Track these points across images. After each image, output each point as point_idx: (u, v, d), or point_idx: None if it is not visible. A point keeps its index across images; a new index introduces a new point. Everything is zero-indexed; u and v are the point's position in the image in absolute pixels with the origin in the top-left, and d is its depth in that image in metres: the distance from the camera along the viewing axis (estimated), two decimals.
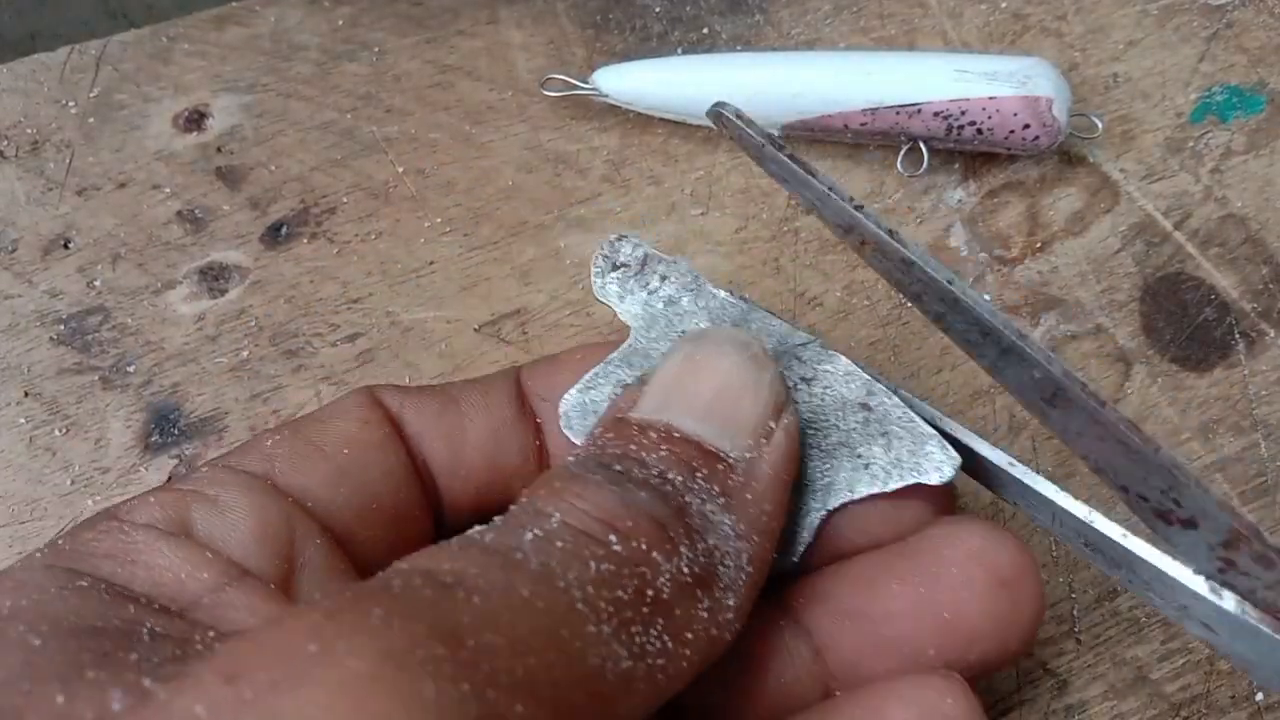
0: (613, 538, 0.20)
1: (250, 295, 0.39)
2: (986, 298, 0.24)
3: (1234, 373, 0.38)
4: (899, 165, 0.41)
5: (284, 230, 0.41)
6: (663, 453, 0.23)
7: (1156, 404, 0.37)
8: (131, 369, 0.38)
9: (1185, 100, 0.43)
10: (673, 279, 0.28)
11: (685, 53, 0.44)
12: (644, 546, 0.21)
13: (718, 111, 0.26)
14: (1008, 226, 0.41)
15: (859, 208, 0.25)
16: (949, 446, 0.26)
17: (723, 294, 0.28)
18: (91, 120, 0.43)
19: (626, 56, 0.44)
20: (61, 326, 0.39)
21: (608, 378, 0.27)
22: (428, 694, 0.15)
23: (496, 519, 0.21)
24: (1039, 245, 0.40)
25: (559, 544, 0.20)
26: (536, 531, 0.20)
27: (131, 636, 0.19)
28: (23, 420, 0.37)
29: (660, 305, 0.28)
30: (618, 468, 0.22)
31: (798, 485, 0.26)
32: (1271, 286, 0.39)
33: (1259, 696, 0.33)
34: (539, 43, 0.44)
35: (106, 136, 0.42)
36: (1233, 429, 0.37)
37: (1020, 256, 0.40)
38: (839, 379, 0.27)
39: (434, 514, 0.28)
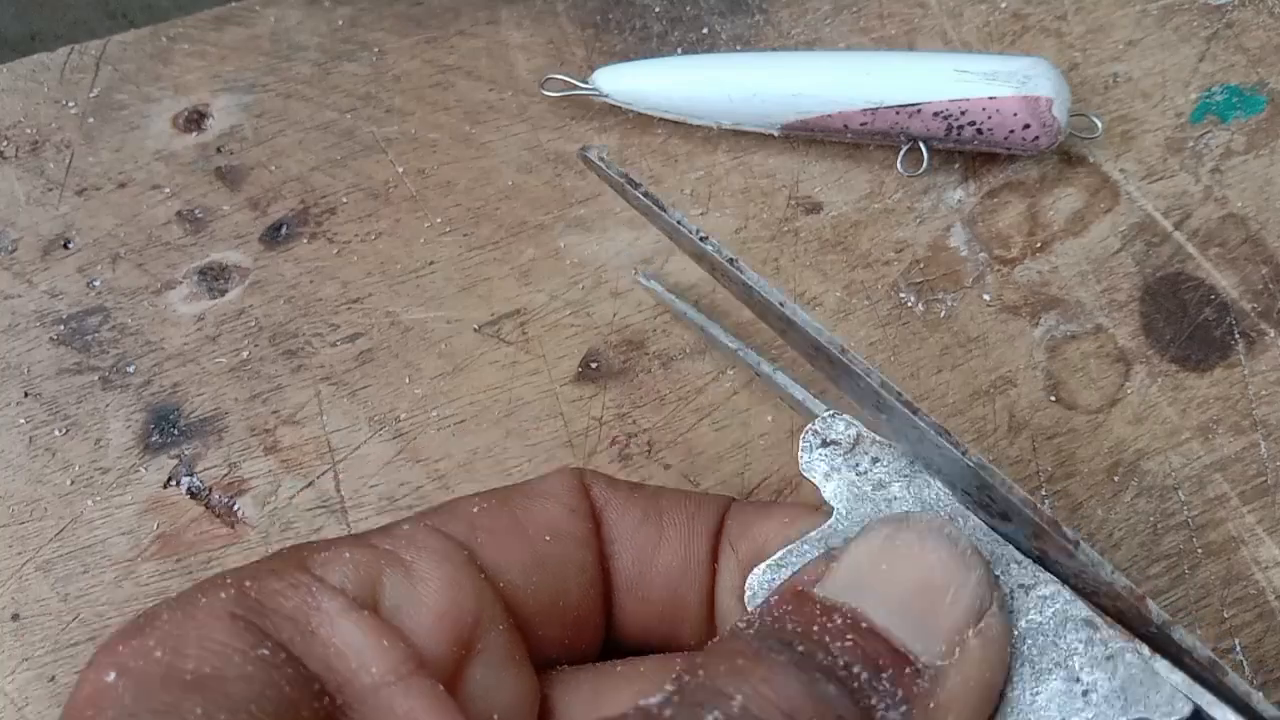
0: None
1: (250, 295, 0.39)
2: (807, 318, 0.25)
3: (1234, 373, 0.38)
4: (899, 165, 0.41)
5: (284, 230, 0.41)
6: (848, 642, 0.21)
7: (1156, 404, 0.37)
8: (131, 369, 0.38)
9: (1185, 100, 0.43)
10: (885, 462, 0.27)
11: (685, 53, 0.44)
12: None
13: (584, 155, 0.29)
14: (1008, 226, 0.41)
15: (704, 239, 0.27)
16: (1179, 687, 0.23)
17: (939, 485, 0.26)
18: (91, 120, 0.43)
19: (626, 56, 0.44)
20: (61, 326, 0.39)
21: (801, 557, 0.26)
22: None
23: (668, 686, 0.20)
24: (1039, 245, 0.40)
25: None
26: (718, 715, 0.19)
27: None
28: (23, 420, 0.37)
29: (869, 489, 0.27)
30: (800, 648, 0.21)
31: (1002, 708, 0.24)
32: (1271, 286, 0.39)
33: None
34: (539, 43, 0.44)
35: (106, 136, 0.42)
36: (1233, 429, 0.37)
37: (1020, 256, 0.40)
38: (1063, 594, 0.24)
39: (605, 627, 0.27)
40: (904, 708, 0.21)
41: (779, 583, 0.25)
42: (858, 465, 0.27)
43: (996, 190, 0.41)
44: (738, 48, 0.44)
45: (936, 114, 0.39)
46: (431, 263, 0.40)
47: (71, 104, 0.43)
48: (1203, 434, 0.37)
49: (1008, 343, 0.38)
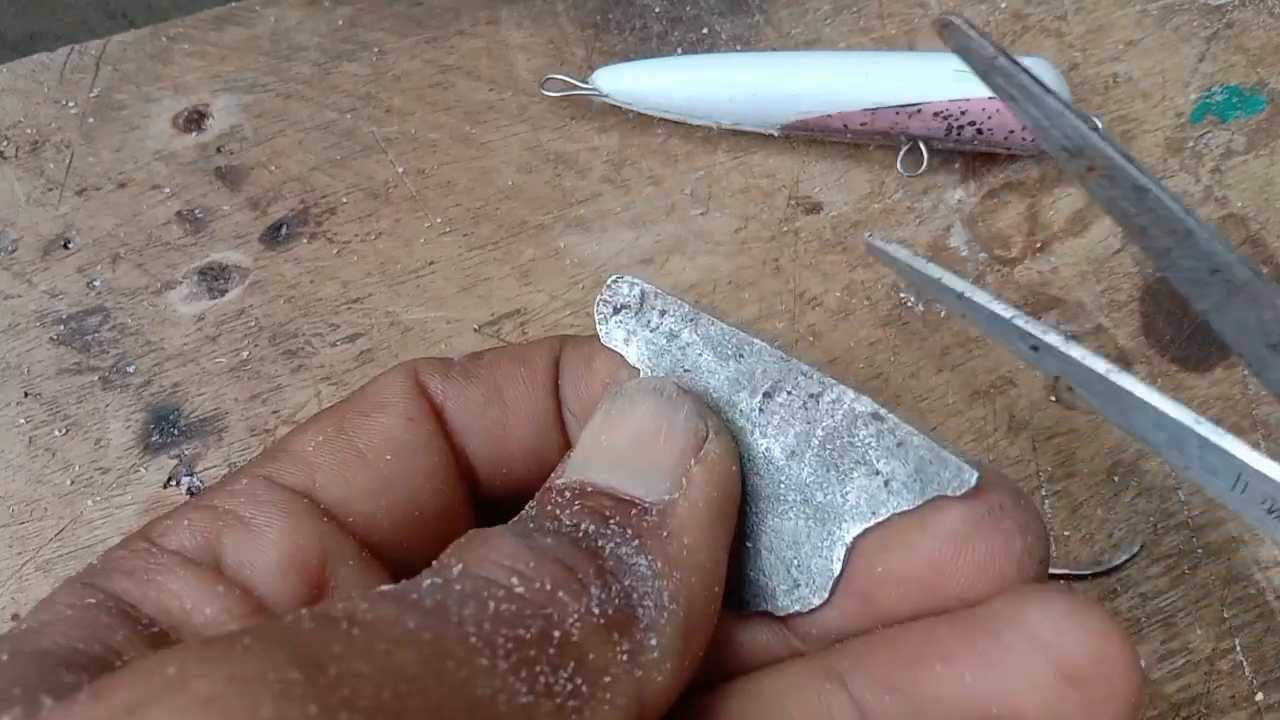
0: (514, 580, 0.20)
1: (250, 295, 0.39)
2: (1213, 229, 0.23)
3: (1234, 373, 0.38)
4: (899, 165, 0.41)
5: (284, 230, 0.41)
6: (574, 507, 0.23)
7: None
8: (131, 369, 0.38)
9: (1185, 100, 0.43)
10: (671, 312, 0.28)
11: (685, 53, 0.44)
12: (548, 587, 0.20)
13: (949, 21, 0.24)
14: (1008, 226, 0.41)
15: (1095, 129, 0.24)
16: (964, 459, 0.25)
17: (720, 324, 0.28)
18: (91, 120, 0.43)
19: (626, 56, 0.44)
20: (61, 326, 0.39)
21: None
22: (264, 714, 0.15)
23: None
24: (1039, 245, 0.40)
25: (457, 587, 0.19)
26: (436, 580, 0.20)
27: (102, 664, 0.19)
28: (23, 420, 0.37)
29: (664, 341, 0.28)
30: (531, 526, 0.22)
31: (819, 515, 0.25)
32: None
33: (1259, 696, 0.33)
34: (539, 43, 0.44)
35: (106, 136, 0.42)
36: (1233, 429, 0.37)
37: (1020, 256, 0.40)
38: (848, 395, 0.25)
39: (475, 508, 0.28)
40: (636, 541, 0.22)
41: None
42: (649, 322, 0.28)
43: (996, 190, 0.41)
44: (738, 48, 0.44)
45: (936, 114, 0.39)
46: (431, 263, 0.40)
47: (71, 104, 0.43)
48: None
49: None
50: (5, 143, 0.42)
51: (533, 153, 0.42)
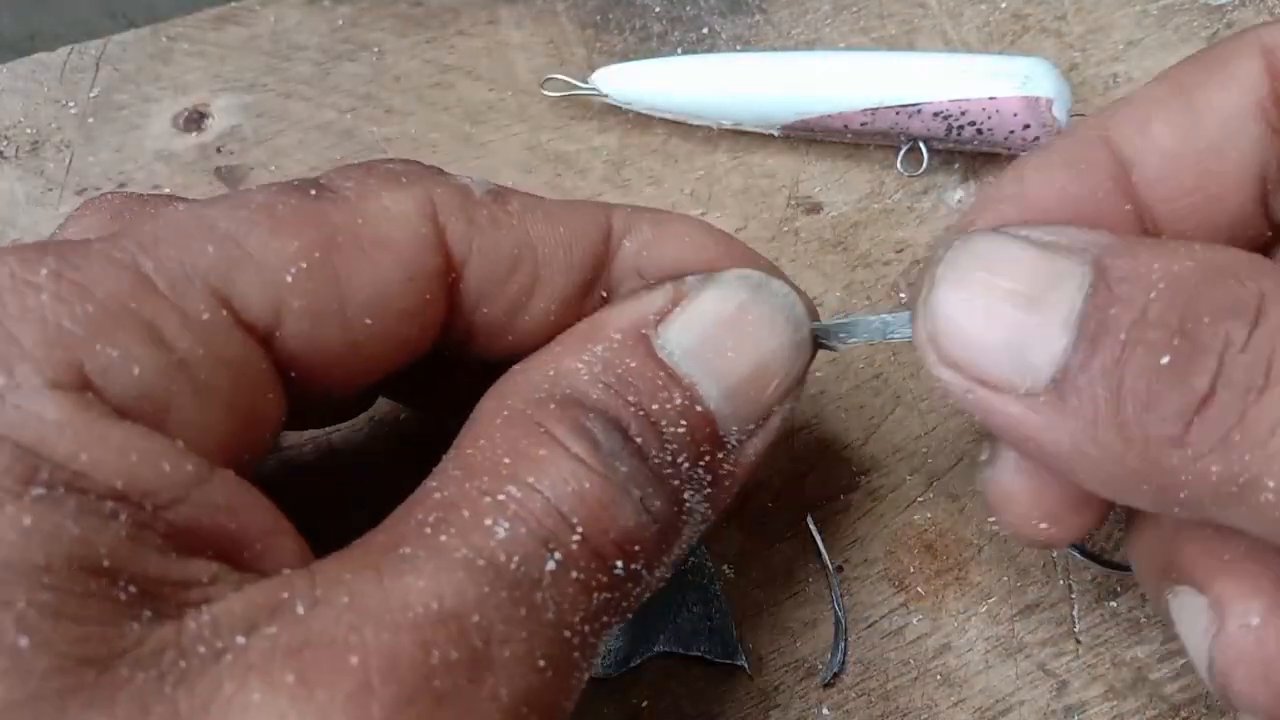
0: (619, 563, 0.19)
1: None
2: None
3: None
4: (899, 165, 0.41)
5: None
6: (680, 429, 0.21)
7: None
8: None
9: None
10: None
11: (685, 53, 0.44)
12: (639, 568, 0.20)
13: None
14: None
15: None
16: None
17: None
18: (91, 120, 0.43)
19: (626, 56, 0.44)
20: None
21: None
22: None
23: (486, 495, 0.19)
24: None
25: (574, 575, 0.19)
26: (558, 557, 0.19)
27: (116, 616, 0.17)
28: None
29: None
30: (639, 439, 0.20)
31: None
32: None
33: None
34: (539, 43, 0.44)
35: (106, 136, 0.42)
36: None
37: None
38: None
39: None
40: (709, 490, 0.21)
41: None
42: None
43: None
44: (738, 48, 0.44)
45: (936, 114, 0.39)
46: None
47: (71, 104, 0.43)
48: None
49: None
50: (5, 143, 0.42)
51: (533, 153, 0.42)
